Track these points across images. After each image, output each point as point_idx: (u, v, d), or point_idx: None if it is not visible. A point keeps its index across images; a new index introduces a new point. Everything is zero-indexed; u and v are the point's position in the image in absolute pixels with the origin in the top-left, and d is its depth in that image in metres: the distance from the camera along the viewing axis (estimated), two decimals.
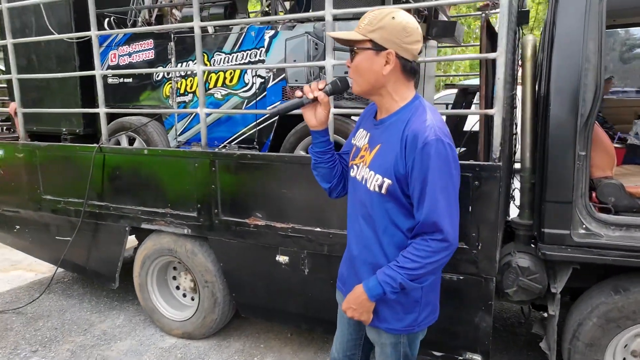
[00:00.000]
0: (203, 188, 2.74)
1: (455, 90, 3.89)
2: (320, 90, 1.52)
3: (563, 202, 2.04)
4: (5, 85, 4.08)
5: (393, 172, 1.39)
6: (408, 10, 2.86)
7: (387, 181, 1.40)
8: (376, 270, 1.49)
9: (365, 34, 1.38)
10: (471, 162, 2.11)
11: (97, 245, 3.26)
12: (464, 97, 3.23)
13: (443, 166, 1.33)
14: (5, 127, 4.55)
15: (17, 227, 3.63)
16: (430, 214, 1.35)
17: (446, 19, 3.33)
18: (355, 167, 1.55)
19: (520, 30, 2.91)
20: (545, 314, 2.33)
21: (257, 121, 2.91)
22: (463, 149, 3.16)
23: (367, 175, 1.47)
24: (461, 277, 2.21)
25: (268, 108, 2.73)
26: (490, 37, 2.36)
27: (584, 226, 2.04)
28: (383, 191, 1.42)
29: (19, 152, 3.41)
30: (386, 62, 1.38)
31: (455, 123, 3.31)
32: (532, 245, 2.31)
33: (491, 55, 1.99)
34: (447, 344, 2.33)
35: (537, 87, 2.36)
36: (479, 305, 2.20)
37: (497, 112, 2.01)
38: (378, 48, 1.37)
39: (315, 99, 1.52)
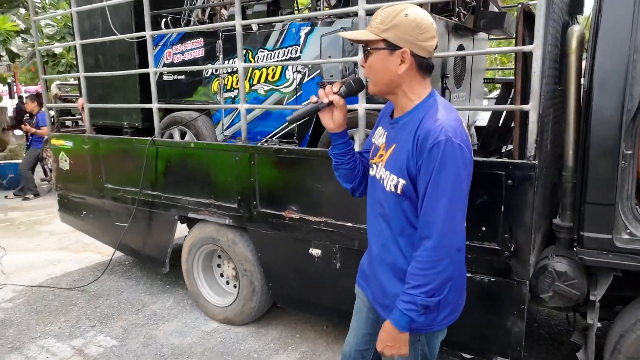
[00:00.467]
0: (243, 181, 2.85)
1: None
2: (335, 93, 1.52)
3: (605, 204, 1.91)
4: (77, 83, 4.45)
5: (406, 172, 1.38)
6: (453, 2, 2.80)
7: (402, 181, 1.39)
8: (394, 270, 1.49)
9: (378, 34, 1.36)
10: (504, 159, 2.02)
11: (150, 231, 3.50)
12: (509, 92, 3.08)
13: (450, 168, 1.30)
14: (74, 122, 4.97)
15: (84, 212, 3.98)
16: (427, 213, 1.33)
17: (496, 10, 3.18)
18: (374, 166, 1.54)
19: (575, 20, 2.73)
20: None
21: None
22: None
23: (384, 175, 1.45)
24: (492, 279, 2.13)
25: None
26: (531, 29, 2.24)
27: (628, 231, 1.89)
28: (399, 191, 1.41)
29: (85, 144, 3.73)
30: (401, 61, 1.36)
31: (504, 119, 3.17)
32: (574, 250, 2.17)
33: (527, 47, 1.90)
34: (477, 346, 2.26)
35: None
36: (511, 309, 2.12)
37: (532, 107, 1.91)
38: (392, 47, 1.35)
39: (330, 103, 1.52)
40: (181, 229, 3.46)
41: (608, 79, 1.86)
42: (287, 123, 3.07)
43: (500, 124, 3.12)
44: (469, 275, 2.14)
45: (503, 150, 3.24)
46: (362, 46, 1.45)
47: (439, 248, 1.32)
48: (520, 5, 2.03)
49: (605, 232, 1.92)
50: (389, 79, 1.39)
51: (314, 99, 1.55)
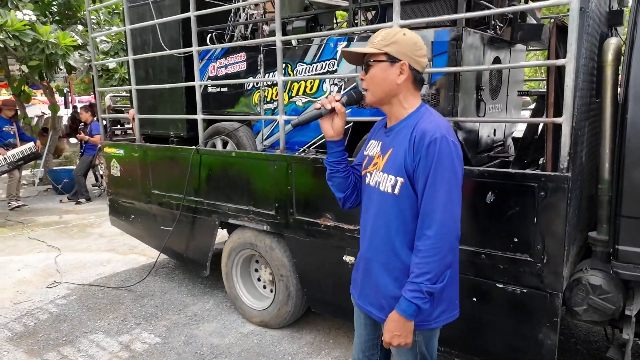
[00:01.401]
0: (281, 188, 2.98)
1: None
2: (337, 101, 1.65)
3: None
4: (128, 95, 4.74)
5: (404, 170, 1.50)
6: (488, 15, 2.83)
7: (400, 180, 1.51)
8: (388, 270, 1.58)
9: (380, 48, 1.53)
10: (537, 172, 2.04)
11: (192, 235, 3.68)
12: (544, 104, 3.05)
13: (447, 162, 1.43)
14: (123, 131, 5.27)
15: (132, 216, 4.22)
16: (427, 204, 1.45)
17: (535, 22, 3.18)
18: (368, 174, 1.66)
19: (615, 31, 2.70)
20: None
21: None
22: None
23: (381, 179, 1.58)
24: (524, 290, 2.14)
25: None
26: (565, 42, 2.25)
27: None
28: (396, 191, 1.52)
29: (135, 152, 3.98)
30: (400, 72, 1.52)
31: (541, 131, 3.14)
32: (609, 263, 2.15)
33: (559, 61, 1.92)
34: (509, 357, 2.26)
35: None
36: (543, 321, 2.11)
37: (565, 120, 1.93)
38: (393, 60, 1.52)
39: (332, 110, 1.65)
40: (221, 234, 3.63)
41: None
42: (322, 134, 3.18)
43: (536, 136, 3.09)
44: (500, 286, 2.18)
45: (540, 162, 3.20)
46: (365, 61, 1.59)
47: (440, 236, 1.44)
48: (552, 20, 2.05)
49: None
50: (388, 88, 1.55)
51: (317, 105, 1.68)
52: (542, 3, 2.11)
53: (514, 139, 3.66)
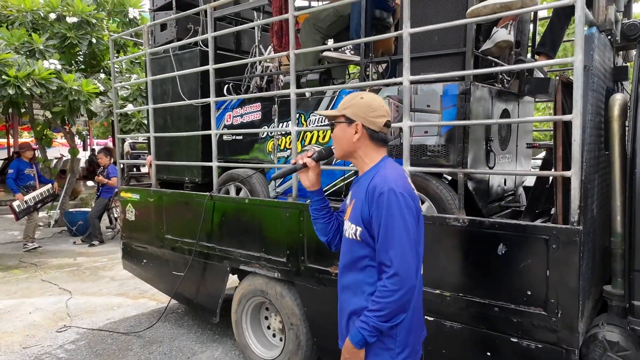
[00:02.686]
0: (292, 236, 3.00)
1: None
2: (309, 157, 1.84)
3: None
4: (146, 141, 4.89)
5: (361, 220, 1.64)
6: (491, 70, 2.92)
7: (359, 229, 1.65)
8: (356, 316, 1.66)
9: (340, 111, 1.73)
10: (548, 224, 2.05)
11: (203, 281, 3.69)
12: (553, 155, 3.09)
13: (396, 213, 1.55)
14: (136, 178, 5.40)
15: (145, 260, 4.25)
16: (381, 253, 1.58)
17: (542, 75, 3.26)
18: (343, 222, 1.82)
19: (621, 86, 2.76)
20: None
21: (344, 176, 3.13)
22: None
23: (347, 227, 1.73)
24: (539, 345, 2.09)
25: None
26: (571, 97, 2.31)
27: None
28: (358, 238, 1.66)
29: (150, 197, 4.06)
30: (355, 131, 1.70)
31: (550, 181, 3.16)
32: (627, 319, 2.11)
33: (566, 117, 1.97)
34: None
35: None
36: None
37: (574, 174, 1.96)
38: (349, 121, 1.71)
39: (305, 165, 1.84)
40: (231, 279, 3.62)
41: None
42: (334, 182, 3.23)
43: (547, 185, 3.11)
44: (515, 340, 2.14)
45: (552, 212, 3.20)
46: (330, 121, 1.79)
47: (394, 282, 1.54)
48: (558, 77, 2.12)
49: None
50: (347, 145, 1.73)
51: (293, 161, 1.86)
52: (547, 62, 2.20)
53: (525, 188, 3.67)
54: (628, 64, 2.91)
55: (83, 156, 12.62)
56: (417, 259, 1.62)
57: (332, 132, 1.78)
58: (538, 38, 3.45)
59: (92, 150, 14.95)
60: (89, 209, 8.40)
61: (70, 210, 9.00)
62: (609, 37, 2.42)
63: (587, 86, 1.98)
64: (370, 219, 1.61)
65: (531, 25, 3.47)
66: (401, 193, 1.57)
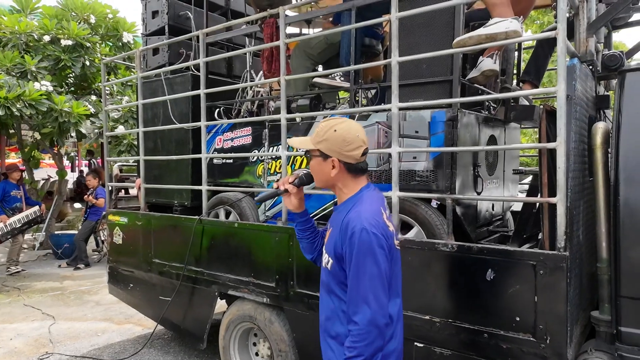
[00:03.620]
0: (282, 260, 2.98)
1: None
2: (290, 183, 1.83)
3: None
4: (136, 164, 4.88)
5: (334, 253, 1.64)
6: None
7: (331, 261, 1.66)
8: (338, 342, 1.65)
9: (315, 144, 1.69)
10: (535, 250, 2.07)
11: (191, 306, 3.63)
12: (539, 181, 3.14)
13: (367, 252, 1.53)
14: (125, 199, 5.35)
15: (131, 285, 4.18)
16: (351, 292, 1.55)
17: (527, 102, 3.34)
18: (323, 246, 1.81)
19: (604, 114, 2.83)
20: None
21: (334, 200, 3.13)
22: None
23: (323, 254, 1.73)
24: None
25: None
26: (555, 124, 2.36)
27: None
28: (329, 267, 1.67)
29: (138, 220, 4.02)
30: (332, 166, 1.67)
31: (538, 206, 3.20)
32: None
33: (550, 145, 2.02)
34: None
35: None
36: None
37: (559, 200, 1.99)
38: (324, 156, 1.68)
39: (286, 190, 1.83)
40: (219, 305, 3.57)
41: (633, 174, 1.93)
42: (324, 206, 3.24)
43: (535, 209, 3.15)
44: None
45: (540, 237, 3.23)
46: (304, 151, 1.77)
47: (365, 324, 1.50)
48: (542, 106, 2.18)
49: None
50: (325, 178, 1.71)
51: (274, 185, 1.88)
52: (531, 91, 2.26)
53: (513, 213, 3.71)
54: (609, 92, 3.00)
55: (71, 177, 12.48)
56: (389, 296, 1.59)
57: (308, 162, 1.76)
58: (523, 65, 3.55)
59: (81, 171, 14.83)
60: (76, 232, 8.28)
61: (56, 232, 8.87)
62: (591, 67, 2.50)
63: (571, 115, 2.03)
64: (342, 253, 1.60)
65: (516, 53, 3.57)
66: (373, 233, 1.54)
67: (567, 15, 2.07)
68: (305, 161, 3.28)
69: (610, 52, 2.28)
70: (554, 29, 2.00)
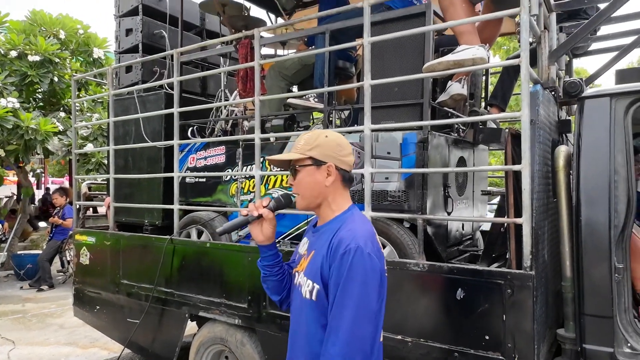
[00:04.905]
0: (254, 281, 2.95)
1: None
2: (264, 207, 1.62)
3: (603, 316, 1.96)
4: (105, 182, 4.78)
5: (320, 276, 1.45)
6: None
7: (317, 286, 1.46)
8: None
9: (304, 153, 1.53)
10: (503, 269, 2.12)
11: (160, 329, 3.53)
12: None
13: (359, 276, 1.37)
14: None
15: (98, 307, 4.05)
16: (333, 319, 1.38)
17: (495, 126, 3.46)
18: (296, 274, 1.61)
19: (566, 138, 2.96)
20: None
21: (308, 220, 3.15)
22: None
23: (303, 282, 1.53)
24: None
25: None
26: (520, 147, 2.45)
27: (629, 345, 1.92)
28: (313, 297, 1.47)
29: (107, 240, 3.92)
30: (327, 174, 1.52)
31: (505, 229, 3.29)
32: None
33: (515, 167, 2.09)
34: None
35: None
36: None
37: (525, 221, 2.05)
38: (318, 163, 1.52)
39: (260, 216, 1.61)
40: (189, 327, 3.49)
41: (593, 196, 2.02)
42: (297, 226, 3.24)
43: (502, 229, 3.23)
44: None
45: (508, 256, 3.31)
46: (291, 167, 1.58)
47: (343, 356, 1.34)
48: (507, 129, 2.26)
49: (606, 345, 1.95)
50: (317, 191, 1.53)
51: (244, 212, 1.66)
52: (497, 115, 2.35)
53: (482, 232, 3.80)
54: (571, 117, 3.14)
55: (37, 195, 12.09)
56: (376, 326, 1.41)
57: (293, 178, 1.56)
58: (491, 88, 3.69)
59: (47, 189, 14.37)
60: (40, 252, 7.98)
61: (19, 252, 8.52)
62: (553, 93, 2.62)
63: (534, 138, 2.11)
64: (330, 276, 1.41)
65: (484, 77, 3.71)
66: (369, 254, 1.39)
67: (530, 43, 2.18)
68: (279, 181, 3.28)
69: (570, 79, 2.39)
70: (519, 56, 2.10)
